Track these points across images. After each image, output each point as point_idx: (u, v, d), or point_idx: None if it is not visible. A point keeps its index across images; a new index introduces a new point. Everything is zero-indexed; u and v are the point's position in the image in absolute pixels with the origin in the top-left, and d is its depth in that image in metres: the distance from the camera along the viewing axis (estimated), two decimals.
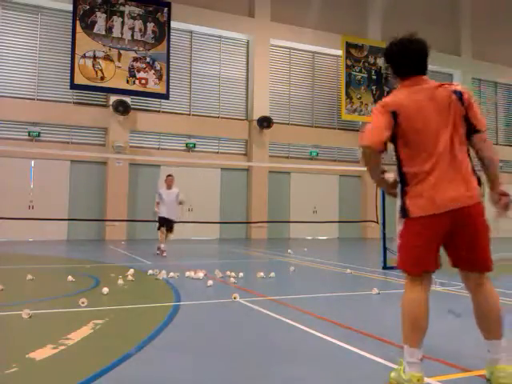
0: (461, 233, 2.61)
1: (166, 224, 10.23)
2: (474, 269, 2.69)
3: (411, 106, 2.64)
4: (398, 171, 2.74)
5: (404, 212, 2.66)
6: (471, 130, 2.69)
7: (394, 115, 2.63)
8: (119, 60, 16.22)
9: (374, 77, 20.49)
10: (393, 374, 2.68)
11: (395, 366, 2.85)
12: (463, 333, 3.93)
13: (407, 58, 2.72)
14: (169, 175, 10.57)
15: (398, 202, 2.75)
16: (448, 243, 2.67)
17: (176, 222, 10.54)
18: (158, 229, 10.26)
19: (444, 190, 2.57)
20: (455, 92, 2.66)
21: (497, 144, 23.88)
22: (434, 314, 4.62)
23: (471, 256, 2.65)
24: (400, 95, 2.71)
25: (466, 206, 2.57)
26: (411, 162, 2.66)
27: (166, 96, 16.85)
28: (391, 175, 2.87)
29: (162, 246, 10.11)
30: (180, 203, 10.47)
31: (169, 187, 10.33)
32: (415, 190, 2.63)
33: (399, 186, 2.75)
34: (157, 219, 10.41)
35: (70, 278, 6.30)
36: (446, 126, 2.62)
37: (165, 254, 9.95)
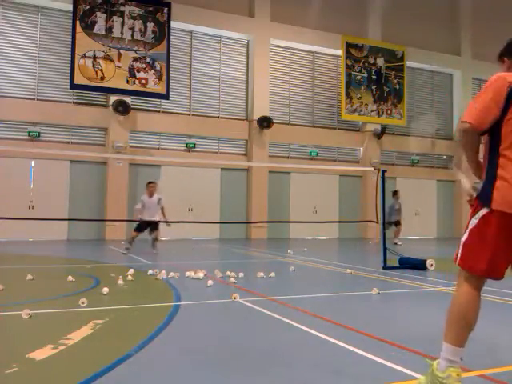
0: None
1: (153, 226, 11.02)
2: None
3: None
4: (491, 150, 2.52)
5: (486, 199, 2.44)
6: None
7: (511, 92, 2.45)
8: (119, 60, 16.22)
9: (374, 77, 20.48)
10: (423, 379, 2.59)
11: (395, 366, 2.85)
12: None
13: None
14: (150, 182, 11.24)
15: (480, 185, 2.55)
16: None
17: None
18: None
19: None
20: None
21: None
22: (435, 314, 4.62)
23: None
24: None
25: None
26: None
27: (165, 96, 16.85)
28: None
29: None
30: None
31: (151, 195, 10.97)
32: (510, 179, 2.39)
33: (488, 167, 2.52)
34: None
35: (70, 278, 6.30)
36: None
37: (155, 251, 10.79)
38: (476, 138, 2.52)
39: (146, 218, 10.91)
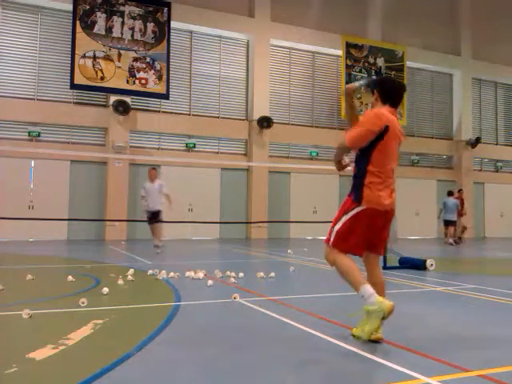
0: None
1: (153, 217, 10.49)
2: (379, 252, 3.72)
3: (393, 127, 3.58)
4: (362, 166, 3.59)
5: (359, 200, 3.55)
6: None
7: (386, 128, 3.52)
8: (119, 60, 16.22)
9: (374, 77, 20.47)
10: (357, 331, 3.42)
11: (395, 366, 2.87)
12: (463, 333, 3.93)
13: (398, 94, 3.75)
14: (153, 168, 10.89)
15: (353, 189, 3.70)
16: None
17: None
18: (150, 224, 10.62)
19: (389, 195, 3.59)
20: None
21: (497, 144, 23.90)
22: (435, 314, 4.63)
23: (382, 244, 3.74)
24: (390, 114, 3.61)
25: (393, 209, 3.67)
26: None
27: (166, 96, 16.85)
28: (347, 160, 3.89)
29: (156, 242, 10.34)
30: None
31: (152, 180, 10.57)
32: (374, 187, 3.52)
33: (358, 177, 3.62)
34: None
35: (70, 277, 6.30)
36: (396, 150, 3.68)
37: (158, 251, 10.21)
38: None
39: (149, 207, 10.43)
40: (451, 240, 15.65)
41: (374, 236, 3.58)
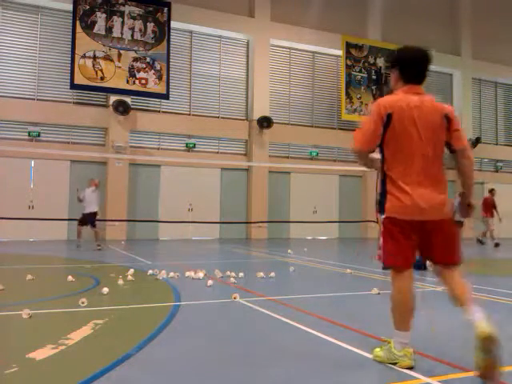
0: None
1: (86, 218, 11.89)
2: (448, 261, 3.09)
3: (406, 111, 2.87)
4: (381, 170, 3.03)
5: (382, 210, 2.98)
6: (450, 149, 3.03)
7: (389, 116, 2.86)
8: (119, 60, 16.21)
9: (374, 77, 20.48)
10: (381, 353, 3.02)
11: (395, 366, 2.86)
12: (463, 333, 3.93)
13: (418, 66, 3.02)
14: (92, 179, 12.38)
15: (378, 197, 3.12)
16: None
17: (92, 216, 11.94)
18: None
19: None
20: (444, 113, 2.93)
21: (497, 144, 23.90)
22: (435, 314, 4.62)
23: (443, 251, 3.10)
24: (398, 98, 2.93)
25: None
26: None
27: (165, 96, 16.84)
28: (376, 155, 3.06)
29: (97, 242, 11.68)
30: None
31: (89, 186, 12.04)
32: (396, 192, 2.93)
33: (382, 182, 3.02)
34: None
35: (69, 277, 6.31)
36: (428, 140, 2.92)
37: (99, 248, 11.46)
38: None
39: (85, 209, 11.88)
40: None
41: (421, 244, 2.97)
